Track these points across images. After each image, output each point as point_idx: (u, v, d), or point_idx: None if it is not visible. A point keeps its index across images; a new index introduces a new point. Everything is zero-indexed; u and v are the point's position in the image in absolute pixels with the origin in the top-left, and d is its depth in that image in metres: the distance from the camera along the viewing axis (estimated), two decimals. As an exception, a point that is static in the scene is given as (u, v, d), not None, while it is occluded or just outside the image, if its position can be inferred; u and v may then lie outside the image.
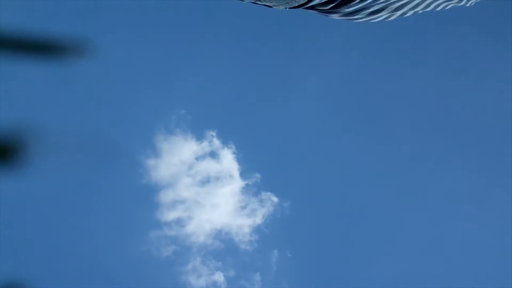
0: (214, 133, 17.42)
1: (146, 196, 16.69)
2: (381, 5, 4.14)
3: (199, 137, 17.35)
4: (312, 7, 4.05)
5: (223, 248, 16.84)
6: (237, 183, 17.27)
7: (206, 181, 17.26)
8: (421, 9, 4.45)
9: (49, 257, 15.97)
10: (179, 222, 16.77)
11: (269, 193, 17.15)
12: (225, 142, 17.38)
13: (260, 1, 3.80)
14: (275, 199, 17.09)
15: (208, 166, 17.26)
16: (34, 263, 15.86)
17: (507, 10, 17.09)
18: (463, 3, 4.61)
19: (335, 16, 4.15)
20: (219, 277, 16.61)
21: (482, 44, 17.73)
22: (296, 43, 17.95)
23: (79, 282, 15.83)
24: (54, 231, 16.14)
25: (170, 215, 16.73)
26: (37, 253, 15.93)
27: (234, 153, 17.40)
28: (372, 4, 4.10)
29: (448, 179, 17.82)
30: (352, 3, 4.01)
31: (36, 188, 15.97)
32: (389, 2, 4.16)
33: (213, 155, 17.33)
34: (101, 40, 16.00)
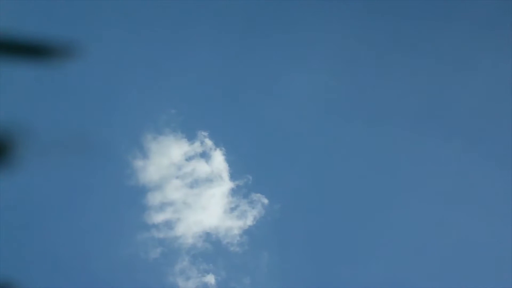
0: (206, 134, 17.20)
1: (134, 197, 16.54)
2: None
3: (190, 137, 17.14)
4: None
5: (213, 250, 16.67)
6: (227, 185, 17.07)
7: (195, 182, 17.07)
8: None
9: (37, 257, 15.90)
10: (168, 224, 16.60)
11: (259, 195, 16.93)
12: (217, 143, 17.17)
13: None
14: (265, 200, 16.87)
15: (198, 167, 17.06)
16: (22, 263, 15.80)
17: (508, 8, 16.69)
18: None
19: None
20: (210, 279, 16.46)
21: (480, 43, 17.37)
22: (288, 44, 17.69)
23: (66, 284, 15.73)
24: (41, 232, 16.06)
25: (159, 217, 16.57)
26: (25, 253, 15.87)
27: (224, 154, 17.18)
28: None
29: (444, 179, 17.52)
30: None
31: (24, 189, 15.89)
32: None
33: (203, 155, 17.13)
34: (90, 41, 15.85)
